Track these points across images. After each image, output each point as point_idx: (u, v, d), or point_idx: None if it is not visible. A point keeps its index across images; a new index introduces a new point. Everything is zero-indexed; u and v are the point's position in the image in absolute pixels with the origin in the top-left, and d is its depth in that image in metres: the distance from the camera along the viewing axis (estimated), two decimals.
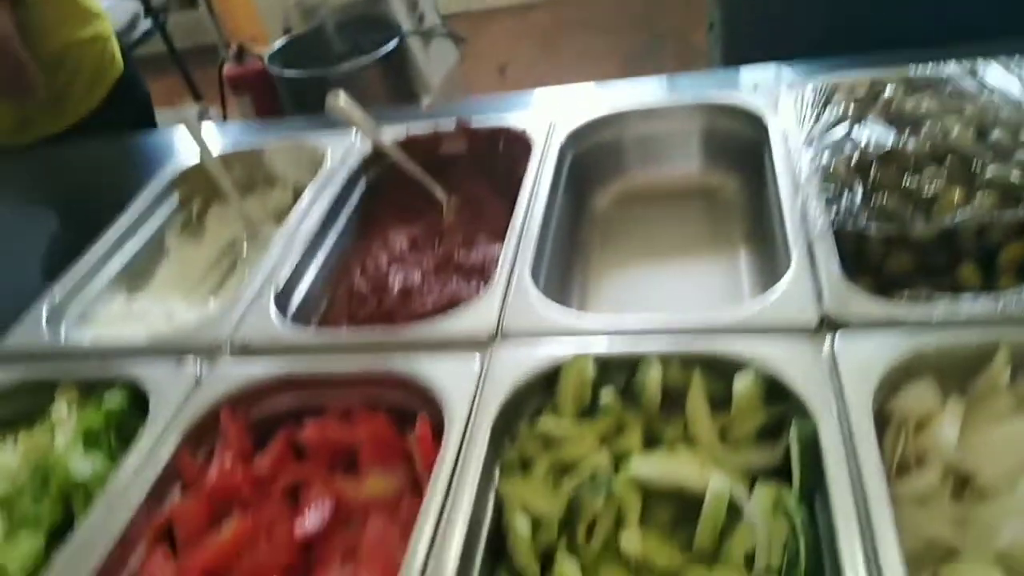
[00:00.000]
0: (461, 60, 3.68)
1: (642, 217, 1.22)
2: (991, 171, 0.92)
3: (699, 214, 1.20)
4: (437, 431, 0.83)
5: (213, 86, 3.62)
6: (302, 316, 1.07)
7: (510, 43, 4.63)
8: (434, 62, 3.41)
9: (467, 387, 0.84)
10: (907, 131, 1.01)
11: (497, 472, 0.80)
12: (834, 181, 0.95)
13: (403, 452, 0.87)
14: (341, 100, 1.20)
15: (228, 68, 3.49)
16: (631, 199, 1.25)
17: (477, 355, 0.87)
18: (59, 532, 0.82)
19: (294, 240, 1.13)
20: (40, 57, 1.61)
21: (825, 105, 1.10)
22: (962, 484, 0.74)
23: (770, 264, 1.03)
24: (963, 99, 1.06)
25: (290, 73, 3.01)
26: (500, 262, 0.98)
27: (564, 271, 1.10)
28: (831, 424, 0.71)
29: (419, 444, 0.83)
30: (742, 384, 0.77)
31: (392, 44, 3.04)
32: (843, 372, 0.75)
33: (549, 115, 1.24)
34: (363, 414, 0.89)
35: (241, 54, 3.45)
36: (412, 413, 0.87)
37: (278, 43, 3.20)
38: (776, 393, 0.77)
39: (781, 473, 0.75)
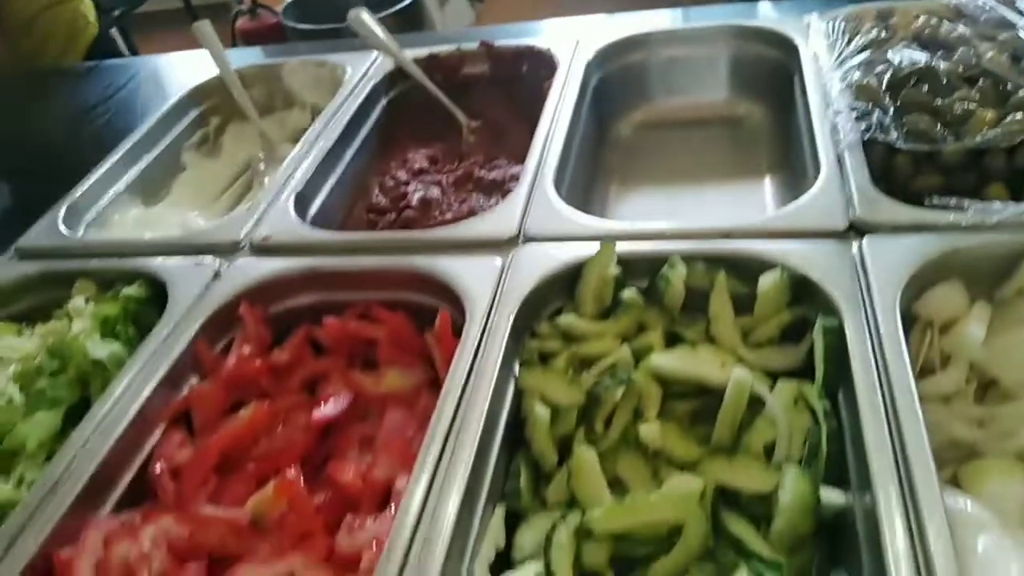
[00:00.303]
0: (476, 22, 3.64)
1: (666, 144, 1.21)
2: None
3: (724, 142, 1.19)
4: (457, 330, 0.82)
5: (225, 41, 3.57)
6: (320, 225, 1.06)
7: (527, 8, 4.58)
8: (449, 22, 3.37)
9: (488, 284, 0.83)
10: (939, 54, 1.00)
11: (517, 367, 0.79)
12: (865, 97, 0.94)
13: (422, 351, 0.87)
14: (364, 14, 1.19)
15: (241, 23, 3.46)
16: (655, 126, 1.24)
17: (498, 256, 0.86)
18: (77, 413, 0.82)
19: (313, 150, 1.12)
20: (10, 22, 1.56)
21: (857, 30, 1.08)
22: (985, 388, 0.74)
23: (796, 189, 1.01)
24: (998, 27, 1.04)
25: (304, 27, 2.98)
26: (523, 171, 0.97)
27: (586, 189, 1.10)
28: (858, 321, 0.71)
29: (439, 335, 0.83)
30: (768, 280, 0.76)
31: (407, 1, 3.00)
32: (871, 273, 0.74)
33: (575, 35, 1.23)
34: (383, 313, 0.88)
35: (254, 8, 3.42)
36: (431, 314, 0.86)
37: None
38: (801, 294, 0.77)
39: (802, 376, 0.74)
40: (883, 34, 1.06)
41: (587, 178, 1.11)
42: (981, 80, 0.95)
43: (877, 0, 1.15)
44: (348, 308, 0.90)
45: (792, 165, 1.07)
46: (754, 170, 1.13)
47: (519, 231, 0.89)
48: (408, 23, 3.09)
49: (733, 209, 1.06)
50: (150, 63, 1.77)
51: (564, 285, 0.84)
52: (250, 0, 3.46)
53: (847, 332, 0.70)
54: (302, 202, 1.04)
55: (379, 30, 1.22)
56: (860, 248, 0.77)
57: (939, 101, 0.93)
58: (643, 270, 0.82)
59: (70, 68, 1.79)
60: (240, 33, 3.45)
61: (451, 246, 0.90)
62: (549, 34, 1.30)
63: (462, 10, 3.52)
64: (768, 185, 1.10)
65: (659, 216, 1.06)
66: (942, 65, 0.97)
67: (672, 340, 0.80)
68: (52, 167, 1.40)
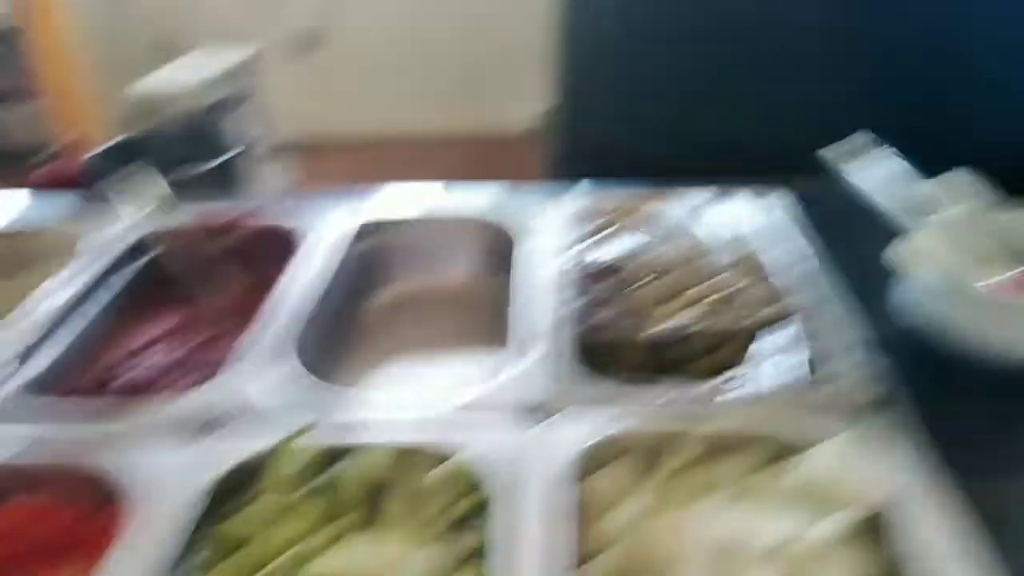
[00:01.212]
0: (293, 184, 3.71)
1: (411, 319, 1.27)
2: (697, 289, 1.03)
3: (464, 317, 1.26)
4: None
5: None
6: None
7: (342, 173, 4.73)
8: (265, 184, 3.42)
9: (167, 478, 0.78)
10: (639, 249, 1.12)
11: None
12: (569, 287, 1.04)
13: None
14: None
15: (39, 172, 3.34)
16: (402, 303, 1.30)
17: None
18: None
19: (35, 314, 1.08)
20: None
21: (585, 220, 1.21)
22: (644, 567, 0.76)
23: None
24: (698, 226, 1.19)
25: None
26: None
27: (332, 361, 1.11)
28: (523, 504, 0.73)
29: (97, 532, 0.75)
30: (442, 471, 0.78)
31: (222, 159, 3.03)
32: (544, 456, 0.78)
33: (325, 216, 1.29)
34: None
35: (56, 155, 3.31)
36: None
37: (104, 145, 3.10)
38: (477, 481, 0.78)
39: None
40: (607, 225, 1.19)
41: (333, 350, 1.12)
42: (667, 274, 1.07)
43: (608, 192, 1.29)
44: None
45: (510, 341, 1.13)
46: (487, 342, 1.18)
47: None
48: (221, 182, 3.09)
49: (464, 381, 1.08)
50: None
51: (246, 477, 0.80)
52: (57, 147, 3.34)
53: (512, 518, 0.72)
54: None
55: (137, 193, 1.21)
56: (538, 430, 0.82)
57: (628, 292, 1.03)
58: (322, 462, 0.81)
59: None
60: (37, 180, 3.29)
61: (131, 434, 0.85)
62: (321, 207, 1.34)
63: (277, 173, 3.57)
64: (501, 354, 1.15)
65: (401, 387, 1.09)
66: (636, 260, 1.09)
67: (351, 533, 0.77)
68: None
